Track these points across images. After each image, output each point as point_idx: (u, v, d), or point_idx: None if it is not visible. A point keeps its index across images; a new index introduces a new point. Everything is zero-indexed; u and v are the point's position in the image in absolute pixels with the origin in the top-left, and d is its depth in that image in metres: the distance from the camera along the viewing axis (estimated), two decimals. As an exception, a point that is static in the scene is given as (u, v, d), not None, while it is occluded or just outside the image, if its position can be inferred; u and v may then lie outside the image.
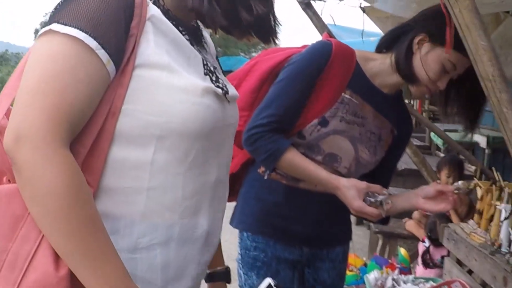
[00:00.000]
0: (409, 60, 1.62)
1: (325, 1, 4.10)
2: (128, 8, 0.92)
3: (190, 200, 1.02)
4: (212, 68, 1.08)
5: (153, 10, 0.97)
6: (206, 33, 1.22)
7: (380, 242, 4.11)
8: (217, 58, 1.26)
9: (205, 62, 1.06)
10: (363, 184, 1.54)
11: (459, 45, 1.49)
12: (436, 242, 3.29)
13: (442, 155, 6.36)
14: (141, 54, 0.93)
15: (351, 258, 3.69)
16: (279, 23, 1.08)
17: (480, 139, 6.02)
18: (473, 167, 4.79)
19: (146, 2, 0.97)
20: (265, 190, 1.74)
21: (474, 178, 2.60)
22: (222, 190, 1.13)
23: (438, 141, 6.82)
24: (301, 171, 1.62)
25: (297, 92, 1.62)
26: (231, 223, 1.82)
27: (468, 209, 3.54)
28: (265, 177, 1.73)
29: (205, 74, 1.04)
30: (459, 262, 2.52)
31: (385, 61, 1.68)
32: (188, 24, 1.09)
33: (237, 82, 1.78)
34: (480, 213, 2.40)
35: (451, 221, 3.36)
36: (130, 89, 0.93)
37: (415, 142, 7.19)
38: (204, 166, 1.03)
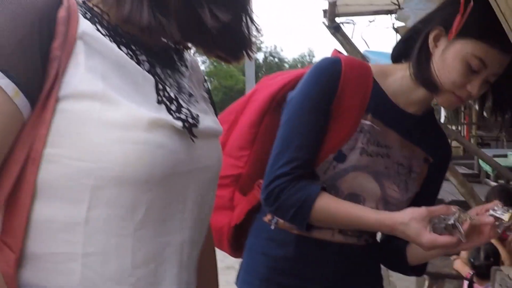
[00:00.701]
0: (427, 63, 1.31)
1: (354, 24, 3.88)
2: (45, 24, 0.71)
3: (145, 267, 0.78)
4: (173, 95, 0.83)
5: (85, 26, 0.75)
6: (188, 55, 0.99)
7: (426, 283, 3.78)
8: (204, 84, 1.03)
9: (160, 87, 0.81)
10: (423, 211, 1.19)
11: (486, 34, 1.20)
12: (479, 269, 2.98)
13: (492, 183, 5.95)
14: (67, 82, 0.71)
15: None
16: (254, 32, 0.85)
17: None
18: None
19: (76, 16, 0.75)
20: (273, 243, 1.44)
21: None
22: (197, 252, 0.90)
23: (487, 167, 6.39)
24: (340, 219, 1.29)
25: (312, 126, 1.32)
26: (236, 282, 1.53)
27: None
28: (272, 227, 1.44)
29: (159, 102, 0.80)
30: (515, 311, 2.19)
31: (406, 73, 1.37)
32: (150, 42, 0.86)
33: (234, 116, 1.52)
34: (539, 253, 2.08)
35: (495, 249, 3.04)
36: (53, 128, 0.71)
37: (463, 170, 6.80)
38: (165, 223, 0.80)
